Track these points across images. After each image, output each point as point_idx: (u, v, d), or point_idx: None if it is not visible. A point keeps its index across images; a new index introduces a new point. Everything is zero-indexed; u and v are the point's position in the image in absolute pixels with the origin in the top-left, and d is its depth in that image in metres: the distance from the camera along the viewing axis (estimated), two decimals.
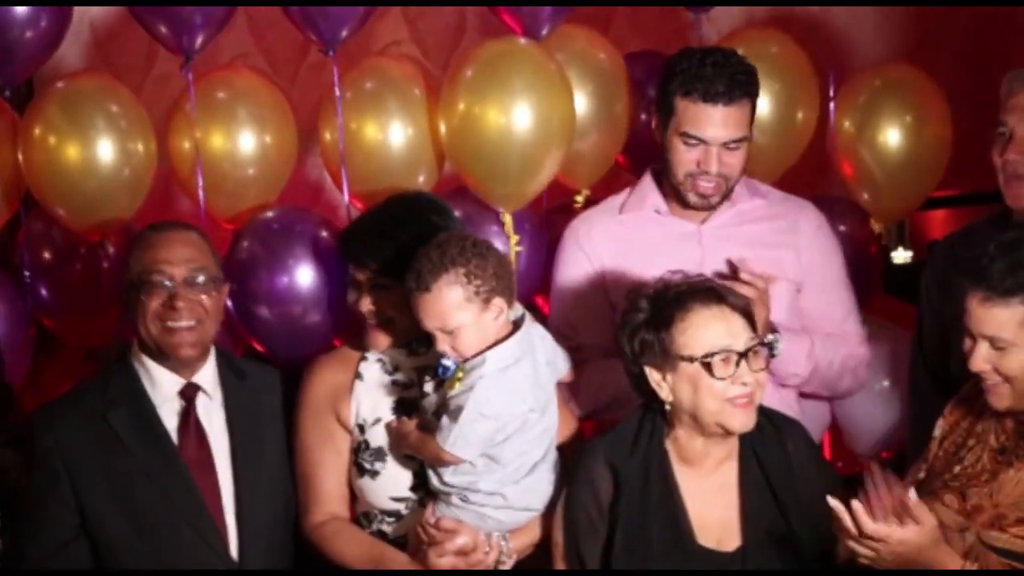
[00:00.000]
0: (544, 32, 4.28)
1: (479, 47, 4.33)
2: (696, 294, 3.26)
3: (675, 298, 3.26)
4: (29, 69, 4.31)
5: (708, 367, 3.19)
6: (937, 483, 3.17)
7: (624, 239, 3.94)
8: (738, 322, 3.24)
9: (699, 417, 3.24)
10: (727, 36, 4.55)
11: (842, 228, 4.37)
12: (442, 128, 4.22)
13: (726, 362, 3.19)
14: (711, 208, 3.88)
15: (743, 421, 3.23)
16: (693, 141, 3.79)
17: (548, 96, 4.15)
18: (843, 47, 4.55)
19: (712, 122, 3.77)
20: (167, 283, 3.52)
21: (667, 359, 3.24)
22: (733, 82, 3.76)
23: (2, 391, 3.76)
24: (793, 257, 3.91)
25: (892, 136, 4.39)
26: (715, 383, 3.19)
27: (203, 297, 3.55)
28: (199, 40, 4.17)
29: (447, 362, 3.36)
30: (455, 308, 3.31)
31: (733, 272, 3.75)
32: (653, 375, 3.27)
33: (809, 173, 4.49)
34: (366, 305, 3.55)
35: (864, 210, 4.52)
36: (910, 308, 4.11)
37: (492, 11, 4.34)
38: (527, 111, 4.12)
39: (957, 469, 3.16)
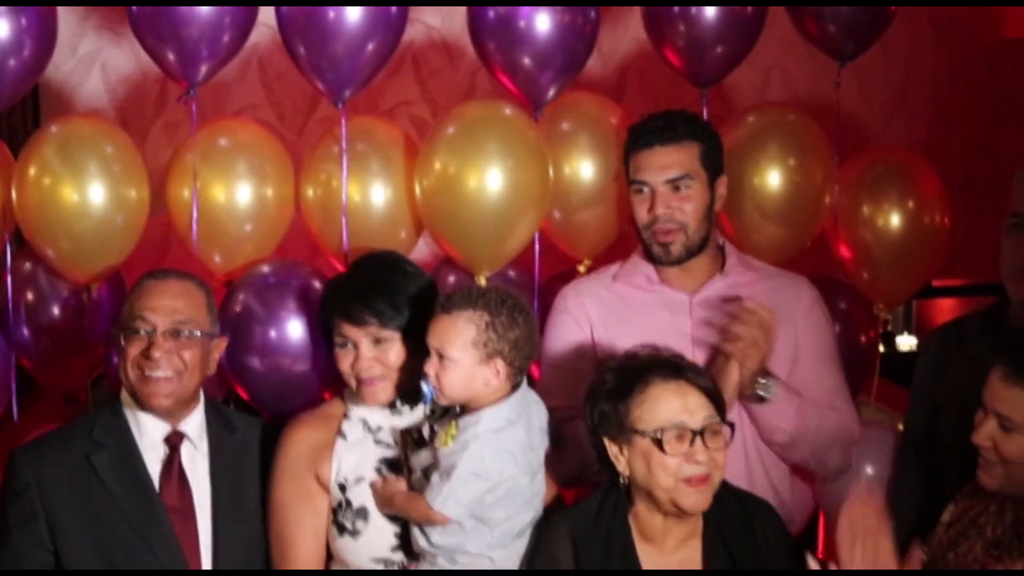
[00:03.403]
0: (547, 98, 4.27)
1: (456, 109, 4.33)
2: (656, 368, 3.20)
3: (636, 370, 3.21)
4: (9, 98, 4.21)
5: (659, 443, 3.13)
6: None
7: (615, 307, 3.91)
8: (696, 399, 3.17)
9: (653, 494, 3.17)
10: (742, 111, 4.57)
11: (842, 306, 4.37)
12: (417, 189, 4.21)
13: (680, 439, 3.12)
14: (674, 262, 3.85)
15: (696, 501, 3.16)
16: (639, 187, 3.84)
17: (523, 162, 4.14)
18: (851, 131, 4.52)
19: (650, 163, 3.81)
20: (146, 331, 3.50)
21: (622, 432, 3.18)
22: (668, 123, 3.82)
23: None
24: (788, 331, 3.83)
25: (893, 219, 4.37)
26: (668, 460, 3.12)
27: (184, 350, 3.52)
28: (203, 70, 4.13)
29: (425, 387, 3.36)
30: (458, 342, 3.30)
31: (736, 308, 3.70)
32: (611, 447, 3.22)
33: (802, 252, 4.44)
34: (366, 363, 3.48)
35: (861, 294, 4.48)
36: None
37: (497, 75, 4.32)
38: (500, 175, 4.11)
39: (951, 556, 3.13)
